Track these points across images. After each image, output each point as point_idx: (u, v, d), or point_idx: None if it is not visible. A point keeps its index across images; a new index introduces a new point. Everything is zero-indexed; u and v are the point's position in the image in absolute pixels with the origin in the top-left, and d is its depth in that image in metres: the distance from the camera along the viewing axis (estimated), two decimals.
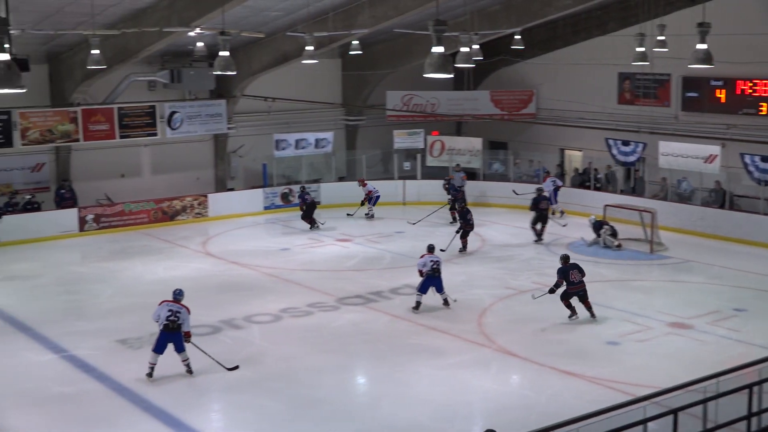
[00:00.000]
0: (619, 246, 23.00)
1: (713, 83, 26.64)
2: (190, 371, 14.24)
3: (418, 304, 17.82)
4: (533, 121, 31.23)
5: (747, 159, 24.04)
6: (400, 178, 30.32)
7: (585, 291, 17.09)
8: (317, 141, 30.32)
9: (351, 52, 26.47)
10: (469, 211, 22.91)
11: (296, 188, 27.44)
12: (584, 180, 28.59)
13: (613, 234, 23.22)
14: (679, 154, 25.42)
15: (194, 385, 13.93)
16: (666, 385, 10.55)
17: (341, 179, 31.12)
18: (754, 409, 9.85)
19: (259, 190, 28.79)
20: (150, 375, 14.08)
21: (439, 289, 17.90)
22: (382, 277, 20.29)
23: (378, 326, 16.94)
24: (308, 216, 25.90)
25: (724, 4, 23.67)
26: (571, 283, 17.02)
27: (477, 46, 24.33)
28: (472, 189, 29.32)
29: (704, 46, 16.81)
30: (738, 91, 26.20)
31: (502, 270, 20.98)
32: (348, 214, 27.79)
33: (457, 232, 22.55)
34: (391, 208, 28.34)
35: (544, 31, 30.82)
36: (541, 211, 23.92)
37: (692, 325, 16.78)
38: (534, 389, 13.72)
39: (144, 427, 12.49)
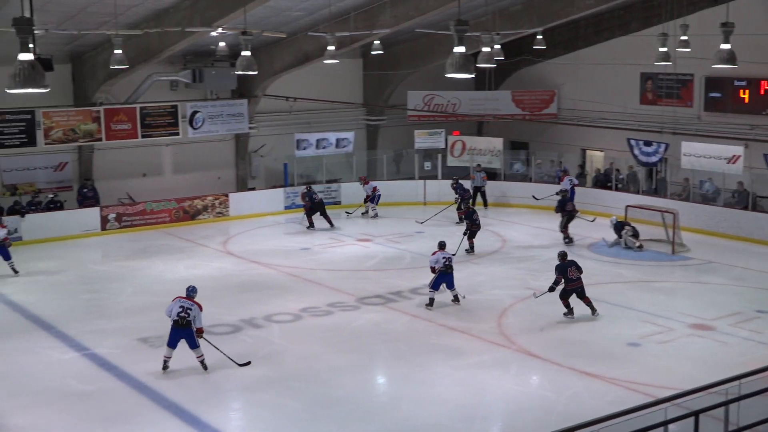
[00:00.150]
0: (640, 247, 22.88)
1: (737, 83, 26.47)
2: (204, 367, 14.34)
3: (432, 301, 17.96)
4: (555, 121, 31.13)
5: None
6: (420, 178, 30.28)
7: (583, 288, 17.17)
8: (338, 141, 30.38)
9: (372, 52, 26.49)
10: (474, 212, 22.80)
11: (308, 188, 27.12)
12: (605, 180, 28.46)
13: (635, 235, 23.11)
14: (702, 155, 25.25)
15: (214, 384, 13.97)
16: (687, 387, 10.49)
17: (360, 179, 31.08)
18: None
19: (280, 190, 28.87)
20: (164, 368, 14.32)
21: (450, 286, 18.04)
22: (402, 277, 20.27)
23: (398, 326, 16.93)
24: (313, 214, 25.93)
25: (747, 3, 23.54)
26: (569, 280, 17.09)
27: (498, 46, 24.32)
28: (492, 189, 29.30)
29: (728, 46, 16.71)
30: (762, 92, 26.02)
31: (522, 270, 20.92)
32: (347, 212, 27.94)
33: (465, 233, 22.43)
34: (411, 208, 28.33)
35: (566, 31, 30.73)
36: (569, 212, 23.74)
37: (714, 326, 16.67)
38: (554, 390, 13.66)
39: (164, 425, 12.54)
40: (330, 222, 25.90)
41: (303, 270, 21.23)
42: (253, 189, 29.80)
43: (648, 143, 26.78)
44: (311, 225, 25.85)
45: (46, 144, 25.19)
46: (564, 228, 23.82)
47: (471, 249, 22.52)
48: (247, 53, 17.88)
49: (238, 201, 27.96)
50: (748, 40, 20.95)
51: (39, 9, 17.90)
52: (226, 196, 27.93)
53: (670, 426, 9.20)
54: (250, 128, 29.58)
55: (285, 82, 29.39)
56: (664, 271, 21.40)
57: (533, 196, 27.87)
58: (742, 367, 11.11)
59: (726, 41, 16.63)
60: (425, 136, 30.69)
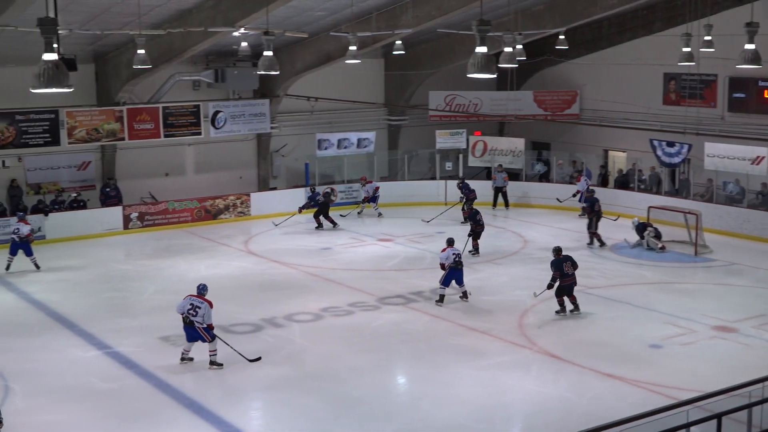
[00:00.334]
0: (662, 248, 22.76)
1: (761, 84, 26.27)
2: (211, 363, 14.50)
3: (442, 297, 18.15)
4: (577, 121, 31.01)
5: None
6: (441, 178, 30.25)
7: (575, 284, 17.35)
8: (359, 141, 30.42)
9: (394, 52, 26.48)
10: (478, 212, 22.62)
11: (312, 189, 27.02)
12: (628, 181, 28.33)
13: (657, 236, 22.99)
14: (726, 156, 25.10)
15: (235, 383, 14.01)
16: (710, 389, 10.46)
17: (383, 179, 31.13)
18: None
19: (301, 190, 28.86)
20: (182, 360, 14.71)
21: (460, 282, 18.20)
22: (423, 277, 20.24)
23: (418, 326, 16.92)
24: (320, 215, 25.96)
25: None
26: (564, 275, 17.20)
27: (520, 46, 24.25)
28: (514, 190, 29.23)
29: (752, 47, 16.59)
30: None
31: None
32: (341, 215, 27.91)
33: (469, 235, 22.31)
34: (432, 209, 28.28)
35: (589, 31, 30.62)
36: (597, 212, 23.52)
37: (737, 328, 16.54)
38: (575, 391, 13.62)
39: (185, 424, 12.60)
40: (330, 221, 25.96)
41: (324, 270, 21.26)
42: (274, 189, 29.87)
43: (671, 144, 26.64)
44: (319, 226, 25.89)
45: (69, 143, 25.37)
46: (595, 229, 23.43)
47: (475, 250, 22.32)
48: (269, 53, 17.92)
49: (260, 201, 28.03)
50: None
51: (63, 9, 18.01)
52: (248, 195, 28.01)
53: (693, 428, 9.17)
54: (272, 128, 29.65)
55: (307, 82, 29.45)
56: (686, 273, 21.28)
57: (557, 199, 27.83)
58: (765, 370, 11.08)
59: (750, 41, 16.51)
60: (446, 136, 30.66)
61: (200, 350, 14.63)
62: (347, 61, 22.88)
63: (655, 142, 27.03)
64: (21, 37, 20.20)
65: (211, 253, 23.28)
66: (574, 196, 27.38)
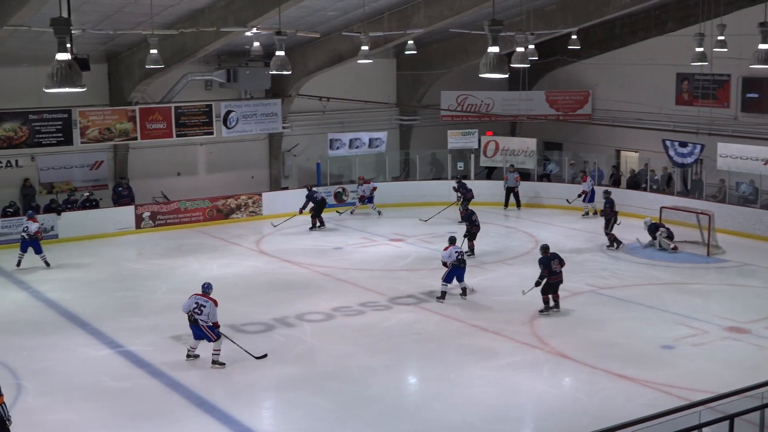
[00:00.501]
0: (675, 249, 22.68)
1: None
2: (213, 362, 14.54)
3: (444, 294, 18.35)
4: (589, 121, 30.95)
5: None
6: (453, 178, 30.21)
7: (561, 281, 17.43)
8: (371, 140, 30.45)
9: (406, 52, 26.46)
10: (473, 213, 22.53)
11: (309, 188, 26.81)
12: (640, 182, 28.27)
13: (669, 236, 22.91)
14: (738, 156, 25.01)
15: (247, 383, 14.03)
16: (722, 390, 10.42)
17: (395, 179, 31.15)
18: None
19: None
20: (187, 356, 14.86)
21: (461, 279, 18.41)
22: (435, 277, 20.15)
23: (430, 326, 16.91)
24: (317, 215, 25.90)
25: None
26: (552, 273, 17.27)
27: (533, 46, 24.24)
28: (526, 190, 29.19)
29: (766, 46, 16.48)
30: None
31: None
32: (338, 213, 28.12)
33: (465, 235, 22.25)
34: (457, 209, 28.27)
35: (601, 31, 30.56)
36: (615, 213, 23.32)
37: (750, 329, 16.47)
38: (586, 392, 13.59)
39: (196, 423, 12.62)
40: (322, 222, 25.94)
41: (335, 269, 21.27)
42: (286, 188, 29.89)
43: (683, 144, 26.55)
44: (314, 226, 25.82)
45: (82, 143, 25.47)
46: (611, 230, 23.19)
47: (471, 251, 22.20)
48: (282, 53, 17.95)
49: (271, 200, 28.06)
50: None
51: (76, 9, 18.06)
52: (260, 195, 28.05)
53: (705, 429, 9.13)
54: (284, 128, 29.69)
55: (318, 82, 29.48)
56: (699, 273, 21.20)
57: (567, 200, 27.80)
58: None
59: (764, 41, 16.42)
60: (458, 136, 30.64)
61: (207, 348, 14.65)
62: (359, 61, 22.87)
63: (668, 143, 26.95)
64: (34, 37, 20.29)
65: (222, 252, 23.33)
66: (579, 196, 27.41)
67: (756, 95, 26.89)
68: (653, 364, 14.76)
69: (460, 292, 18.57)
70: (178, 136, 27.13)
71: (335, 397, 13.46)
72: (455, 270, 18.37)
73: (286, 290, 19.49)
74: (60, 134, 24.97)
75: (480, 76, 12.02)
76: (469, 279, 19.08)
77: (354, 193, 28.87)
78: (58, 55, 9.66)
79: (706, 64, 22.41)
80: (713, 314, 17.38)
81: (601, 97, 31.66)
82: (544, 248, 17.76)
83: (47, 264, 21.41)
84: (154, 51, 19.95)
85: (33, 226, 21.32)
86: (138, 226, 25.66)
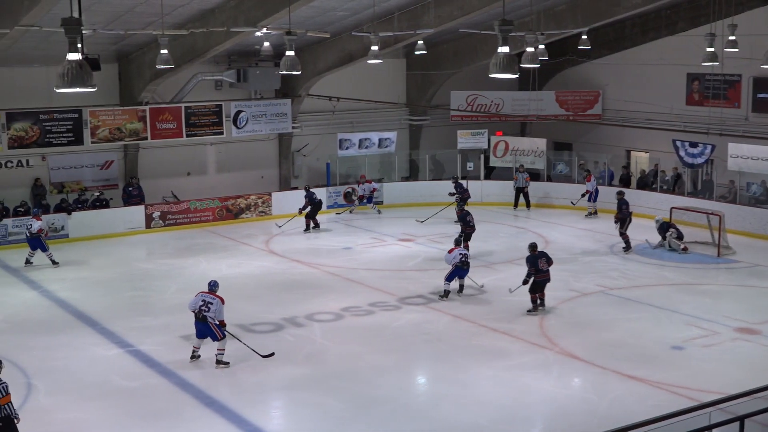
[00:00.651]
0: (685, 249, 22.62)
1: None
2: (217, 362, 14.56)
3: (446, 293, 18.52)
4: (599, 122, 30.90)
5: None
6: (462, 178, 30.19)
7: (549, 280, 17.54)
8: (380, 140, 30.47)
9: (416, 52, 26.45)
10: (468, 213, 22.45)
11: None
12: (650, 182, 28.21)
13: (679, 237, 22.85)
14: (749, 156, 24.93)
15: (256, 382, 14.05)
16: (732, 391, 10.39)
17: (404, 179, 31.16)
18: None
19: (323, 189, 28.96)
20: (192, 357, 14.82)
21: (461, 276, 18.69)
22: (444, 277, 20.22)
23: (439, 326, 16.91)
24: (312, 216, 25.80)
25: None
26: (539, 271, 17.35)
27: (543, 46, 24.21)
28: (535, 190, 29.17)
29: None
30: None
31: (565, 272, 20.75)
32: (337, 213, 28.14)
33: (460, 236, 22.16)
34: (452, 209, 28.26)
35: (612, 31, 30.52)
36: (629, 214, 22.99)
37: (760, 330, 16.42)
38: (596, 393, 13.57)
39: (206, 422, 12.64)
40: (316, 224, 25.85)
41: (344, 269, 21.28)
42: (295, 188, 29.90)
43: (694, 144, 26.48)
44: (308, 227, 25.70)
45: (92, 143, 25.56)
46: (625, 231, 22.87)
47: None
48: (291, 53, 17.97)
49: (281, 200, 28.09)
50: None
51: (87, 9, 18.12)
52: (269, 195, 28.08)
53: (715, 430, 9.11)
54: (294, 128, 29.72)
55: (328, 82, 29.51)
56: (709, 274, 21.15)
57: (571, 202, 27.80)
58: None
59: None
60: (468, 136, 30.61)
61: (211, 348, 14.65)
62: (369, 61, 22.88)
63: (678, 143, 26.88)
64: (45, 37, 20.37)
65: (232, 252, 23.36)
66: (583, 196, 27.41)
67: (767, 95, 26.79)
68: (663, 365, 14.72)
69: (458, 288, 18.80)
70: (188, 136, 27.20)
71: (344, 397, 13.47)
72: (458, 271, 18.54)
73: (296, 290, 19.51)
74: (70, 134, 25.06)
75: (490, 76, 12.01)
76: (478, 279, 19.09)
77: (363, 193, 28.90)
78: (69, 55, 9.68)
79: (717, 64, 22.33)
80: (723, 315, 17.33)
81: (611, 97, 31.60)
82: (532, 246, 17.82)
83: (54, 262, 21.50)
84: (164, 51, 19.99)
85: (36, 225, 21.49)
86: (148, 225, 25.72)
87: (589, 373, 14.45)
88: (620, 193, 23.40)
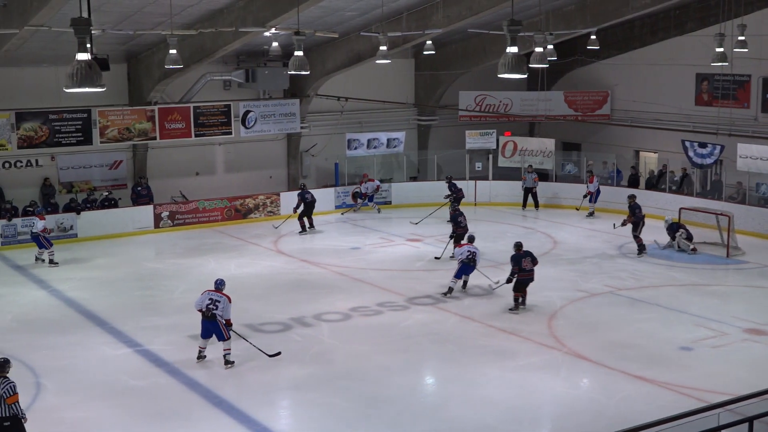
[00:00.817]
0: (694, 250, 22.57)
1: None
2: (226, 362, 14.57)
3: (450, 289, 18.73)
4: (608, 122, 30.86)
5: None
6: (471, 178, 30.21)
7: (532, 280, 17.67)
8: (389, 141, 30.48)
9: (424, 52, 26.48)
10: (461, 214, 22.39)
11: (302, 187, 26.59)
12: (659, 182, 28.15)
13: (689, 237, 22.79)
14: (759, 157, 24.86)
15: (264, 382, 14.06)
16: (741, 393, 10.37)
17: (413, 179, 31.16)
18: None
19: (331, 189, 29.00)
20: (199, 358, 14.81)
21: (467, 273, 18.91)
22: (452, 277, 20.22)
23: (447, 327, 16.90)
24: (306, 216, 25.63)
25: None
26: (522, 270, 17.46)
27: (551, 46, 24.20)
28: (544, 190, 29.14)
29: None
30: None
31: (573, 272, 20.77)
32: (342, 213, 28.21)
33: (451, 237, 22.18)
34: (462, 209, 28.21)
35: (621, 31, 30.47)
36: (642, 217, 22.75)
37: None
38: (604, 394, 13.54)
39: (214, 422, 12.65)
40: (311, 224, 25.76)
41: (353, 269, 21.29)
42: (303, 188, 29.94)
43: (703, 145, 26.42)
44: (303, 229, 25.56)
45: (101, 143, 25.65)
46: (638, 234, 22.59)
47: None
48: (300, 53, 17.98)
49: (289, 200, 28.04)
50: None
51: (96, 9, 18.18)
52: (278, 195, 28.10)
53: (724, 431, 9.09)
54: (302, 128, 29.76)
55: (337, 82, 29.54)
56: (718, 275, 21.11)
57: (577, 208, 27.75)
58: None
59: None
60: (476, 136, 30.60)
61: (217, 348, 14.66)
62: (377, 61, 22.89)
63: (687, 143, 26.82)
64: (55, 37, 20.41)
65: (241, 252, 23.39)
66: (585, 197, 27.38)
67: None
68: (672, 365, 14.69)
69: (462, 283, 19.00)
70: (196, 135, 27.26)
71: (352, 396, 13.48)
72: (465, 267, 18.74)
73: (304, 290, 19.53)
74: (80, 134, 25.15)
75: (498, 76, 12.01)
76: (487, 280, 19.06)
77: (375, 195, 28.93)
78: (78, 55, 9.71)
79: (726, 64, 22.25)
80: (732, 316, 17.28)
81: (620, 97, 31.55)
82: (517, 246, 17.90)
83: (52, 262, 21.61)
84: (173, 51, 20.02)
85: (39, 224, 21.68)
86: (157, 225, 25.77)
87: (597, 373, 14.42)
88: (632, 197, 23.21)
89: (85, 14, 10.87)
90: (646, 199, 26.62)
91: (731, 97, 27.62)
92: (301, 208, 25.66)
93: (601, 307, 17.99)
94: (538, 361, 14.96)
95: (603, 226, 25.63)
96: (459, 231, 21.99)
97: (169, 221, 25.95)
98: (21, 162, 25.29)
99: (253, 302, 18.09)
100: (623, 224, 22.74)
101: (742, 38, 21.79)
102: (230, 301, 14.62)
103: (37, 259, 21.74)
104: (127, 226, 25.29)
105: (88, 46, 9.81)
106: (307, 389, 13.78)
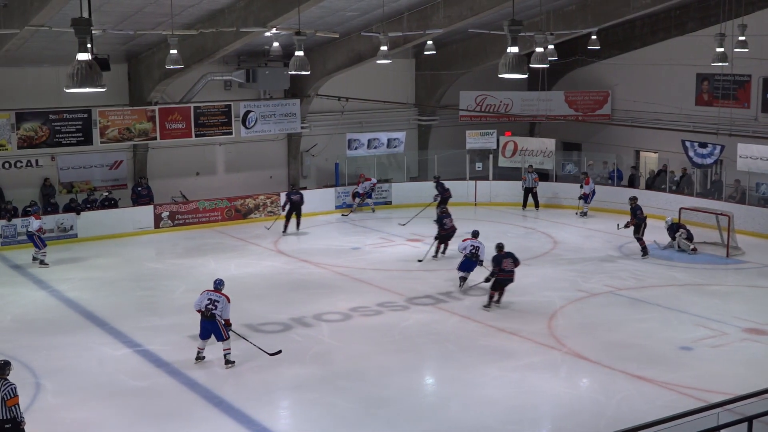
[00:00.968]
0: (694, 250, 22.57)
1: None
2: (227, 362, 14.58)
3: (462, 280, 19.10)
4: (608, 122, 30.87)
5: None
6: (471, 178, 30.21)
7: (512, 281, 17.82)
8: (389, 141, 30.49)
9: (425, 52, 26.48)
10: (447, 216, 22.36)
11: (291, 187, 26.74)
12: (655, 182, 28.16)
13: (689, 238, 22.80)
14: (759, 157, 24.87)
15: (264, 382, 14.06)
16: (740, 392, 10.37)
17: (413, 179, 31.17)
18: None
19: (331, 189, 29.01)
20: (197, 359, 14.79)
21: (469, 270, 19.07)
22: (453, 278, 20.20)
23: (447, 327, 16.90)
24: (292, 215, 25.57)
25: None
26: (502, 271, 17.61)
27: (552, 47, 24.21)
28: (544, 190, 29.15)
29: None
30: None
31: (573, 272, 20.77)
32: (343, 214, 28.24)
33: (436, 238, 22.17)
34: (462, 209, 28.27)
35: (621, 31, 30.49)
36: (644, 219, 22.69)
37: None
38: (604, 393, 13.54)
39: (214, 422, 12.65)
40: (298, 225, 25.63)
41: (353, 269, 21.29)
42: (304, 188, 29.91)
43: (703, 145, 26.42)
44: (285, 230, 25.42)
45: (101, 143, 25.64)
46: (641, 236, 22.48)
47: (436, 254, 22.19)
48: (301, 53, 17.99)
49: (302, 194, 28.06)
50: None
51: (97, 10, 18.19)
52: (278, 195, 28.08)
53: (723, 431, 9.09)
54: (303, 128, 29.76)
55: (337, 82, 29.53)
56: (718, 275, 21.11)
57: (576, 214, 27.77)
58: None
59: None
60: (477, 136, 30.61)
61: (216, 349, 14.67)
62: (378, 62, 22.90)
63: (688, 143, 26.83)
64: (55, 38, 20.43)
65: (241, 252, 23.39)
66: (581, 198, 27.39)
67: None
68: (671, 365, 14.69)
69: (460, 281, 19.18)
70: (197, 136, 27.26)
71: (352, 397, 13.48)
72: (467, 261, 18.97)
73: (304, 290, 19.53)
74: (80, 134, 25.15)
75: (499, 76, 12.01)
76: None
77: (374, 193, 28.92)
78: (79, 55, 9.72)
79: (727, 64, 22.25)
80: (732, 315, 17.29)
81: (620, 97, 31.56)
82: (499, 247, 18.01)
83: (42, 262, 21.61)
84: (173, 51, 20.03)
85: (35, 223, 21.70)
86: (157, 225, 25.77)
87: (597, 373, 14.42)
88: (633, 199, 23.14)
89: (85, 14, 10.88)
90: (647, 199, 26.62)
91: (731, 97, 27.63)
92: (288, 207, 25.61)
93: (601, 307, 17.99)
94: (538, 361, 14.96)
95: (603, 226, 25.63)
96: (443, 233, 22.05)
97: (170, 221, 25.95)
98: (21, 162, 25.29)
99: (253, 302, 18.10)
100: (626, 226, 22.69)
101: (743, 38, 21.80)
102: (229, 301, 14.61)
103: (34, 259, 21.75)
104: (128, 226, 25.29)
105: (89, 46, 9.81)
106: (306, 389, 13.78)
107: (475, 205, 29.45)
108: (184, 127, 26.88)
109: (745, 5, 24.10)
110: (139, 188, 26.59)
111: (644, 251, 22.32)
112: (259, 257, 22.82)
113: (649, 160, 30.56)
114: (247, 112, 28.22)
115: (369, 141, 30.10)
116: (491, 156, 30.56)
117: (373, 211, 28.43)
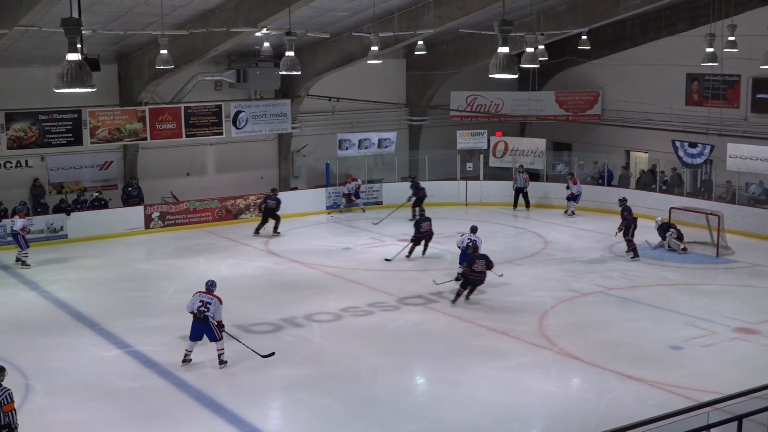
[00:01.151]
0: (684, 249, 22.62)
1: None
2: (221, 362, 14.57)
3: (459, 275, 19.00)
4: (599, 122, 30.93)
5: None
6: (462, 178, 30.22)
7: (482, 282, 18.10)
8: (380, 141, 30.50)
9: (416, 53, 26.48)
10: (425, 220, 22.51)
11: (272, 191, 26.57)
12: (649, 182, 28.22)
13: (679, 237, 22.85)
14: (748, 157, 24.95)
15: (255, 383, 14.05)
16: (730, 391, 10.39)
17: (404, 179, 31.13)
18: None
19: (322, 190, 29.00)
20: (185, 361, 14.72)
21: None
22: (443, 277, 20.21)
23: (438, 327, 16.91)
24: (266, 220, 25.39)
25: None
26: (473, 271, 17.91)
27: (542, 47, 24.23)
28: (535, 190, 29.18)
29: None
30: None
31: (564, 272, 20.80)
32: (329, 215, 28.30)
33: (411, 240, 22.34)
34: (453, 209, 28.30)
35: (612, 32, 30.55)
36: (634, 220, 22.56)
37: (759, 330, 16.43)
38: (595, 393, 13.56)
39: (205, 423, 12.64)
40: (276, 228, 25.45)
41: (344, 270, 21.28)
42: (295, 189, 29.95)
43: (693, 145, 26.48)
44: (257, 231, 25.30)
45: (92, 143, 25.57)
46: (631, 237, 22.38)
47: (409, 255, 22.31)
48: (291, 53, 17.98)
49: (281, 201, 28.06)
50: None
51: (87, 10, 18.14)
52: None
53: (713, 430, 9.13)
54: (293, 128, 29.74)
55: (328, 82, 29.52)
56: (708, 274, 21.16)
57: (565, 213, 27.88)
58: None
59: None
60: (468, 136, 30.64)
61: (209, 350, 14.65)
62: (369, 62, 22.89)
63: (678, 143, 26.89)
64: (45, 38, 20.38)
65: (231, 252, 23.36)
66: (568, 199, 27.46)
67: (766, 96, 26.82)
68: (662, 364, 14.73)
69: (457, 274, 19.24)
70: (187, 136, 27.21)
71: (343, 397, 13.48)
72: (465, 255, 19.04)
73: (295, 290, 19.51)
74: (70, 134, 25.07)
75: (490, 76, 12.03)
76: (496, 270, 18.99)
77: (363, 193, 28.93)
78: (69, 55, 9.70)
79: (717, 64, 22.29)
80: (722, 315, 17.34)
81: (611, 97, 31.63)
82: (474, 248, 18.38)
83: (24, 263, 21.55)
84: (164, 51, 19.99)
85: (19, 222, 21.66)
86: (147, 226, 25.72)
87: (588, 373, 14.45)
88: (623, 201, 23.20)
89: (75, 14, 10.87)
90: (636, 199, 26.68)
91: (721, 97, 27.71)
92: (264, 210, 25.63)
93: (592, 307, 18.02)
94: (528, 361, 14.98)
95: (593, 226, 25.70)
96: (418, 236, 22.24)
97: (160, 222, 25.90)
98: (11, 163, 25.21)
99: (243, 303, 18.07)
100: (619, 230, 22.69)
101: (732, 38, 21.84)
102: (221, 303, 14.60)
103: (17, 260, 21.66)
104: (118, 226, 25.23)
105: (79, 46, 9.79)
106: (297, 389, 13.77)
107: (466, 205, 29.46)
108: (174, 128, 26.83)
109: (735, 5, 24.15)
110: (130, 189, 26.53)
111: (634, 253, 22.18)
112: (250, 257, 22.79)
113: (640, 160, 30.63)
114: (238, 113, 28.19)
115: (360, 141, 30.09)
116: (482, 156, 30.58)
117: (363, 211, 28.41)
